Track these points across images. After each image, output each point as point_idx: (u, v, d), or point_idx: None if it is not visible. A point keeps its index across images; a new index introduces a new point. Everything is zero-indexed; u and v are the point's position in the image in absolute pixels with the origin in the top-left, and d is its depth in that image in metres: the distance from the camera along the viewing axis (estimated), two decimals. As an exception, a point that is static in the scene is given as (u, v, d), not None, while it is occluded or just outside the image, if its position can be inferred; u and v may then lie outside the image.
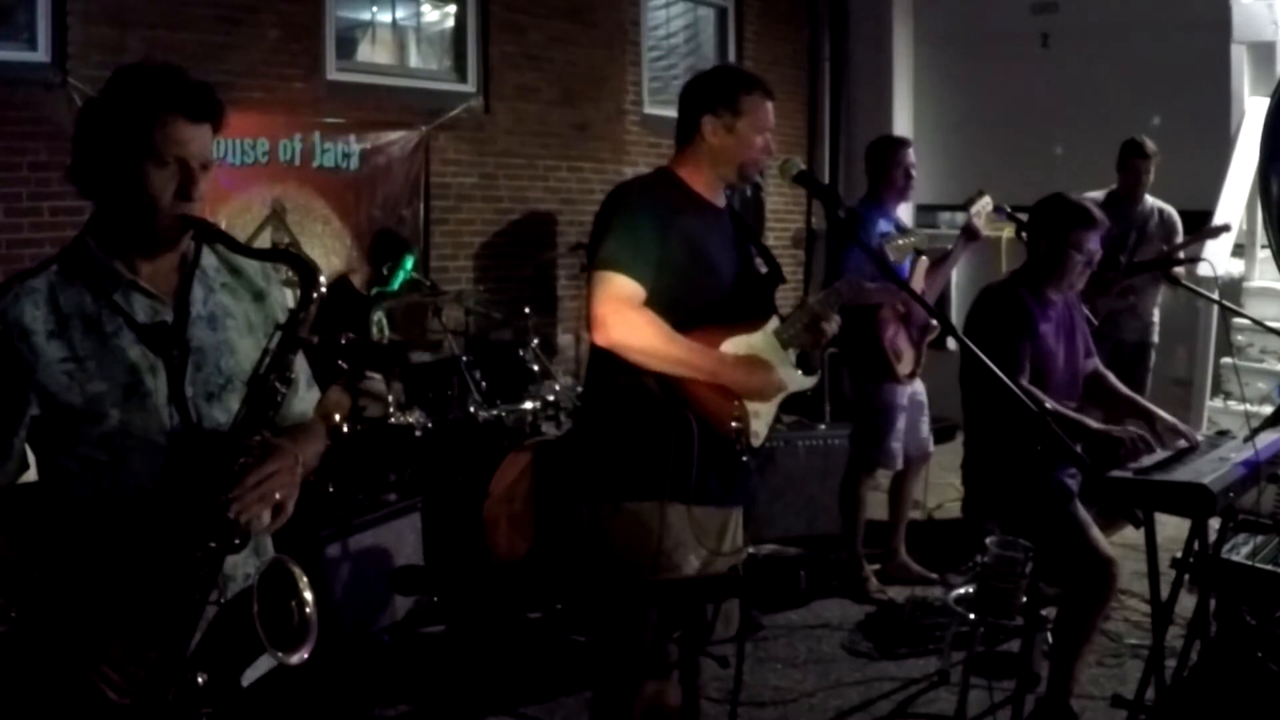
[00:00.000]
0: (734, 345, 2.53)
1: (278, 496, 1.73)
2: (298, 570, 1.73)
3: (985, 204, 4.73)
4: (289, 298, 1.91)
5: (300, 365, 1.92)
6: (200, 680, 1.65)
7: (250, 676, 1.72)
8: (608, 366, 2.47)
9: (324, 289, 1.79)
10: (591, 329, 2.42)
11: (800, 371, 2.71)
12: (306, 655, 1.70)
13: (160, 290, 1.76)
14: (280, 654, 1.66)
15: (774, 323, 2.63)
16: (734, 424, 2.49)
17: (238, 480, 1.68)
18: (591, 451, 2.56)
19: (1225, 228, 5.79)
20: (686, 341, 2.44)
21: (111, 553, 1.70)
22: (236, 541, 1.69)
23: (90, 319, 1.70)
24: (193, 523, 1.67)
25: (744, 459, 2.53)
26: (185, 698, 1.65)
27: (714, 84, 2.60)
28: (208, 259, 1.85)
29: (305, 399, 1.99)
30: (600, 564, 2.54)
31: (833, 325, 2.66)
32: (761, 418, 2.58)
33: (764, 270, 2.75)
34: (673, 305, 2.45)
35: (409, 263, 5.33)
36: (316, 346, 4.29)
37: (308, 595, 1.72)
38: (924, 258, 4.71)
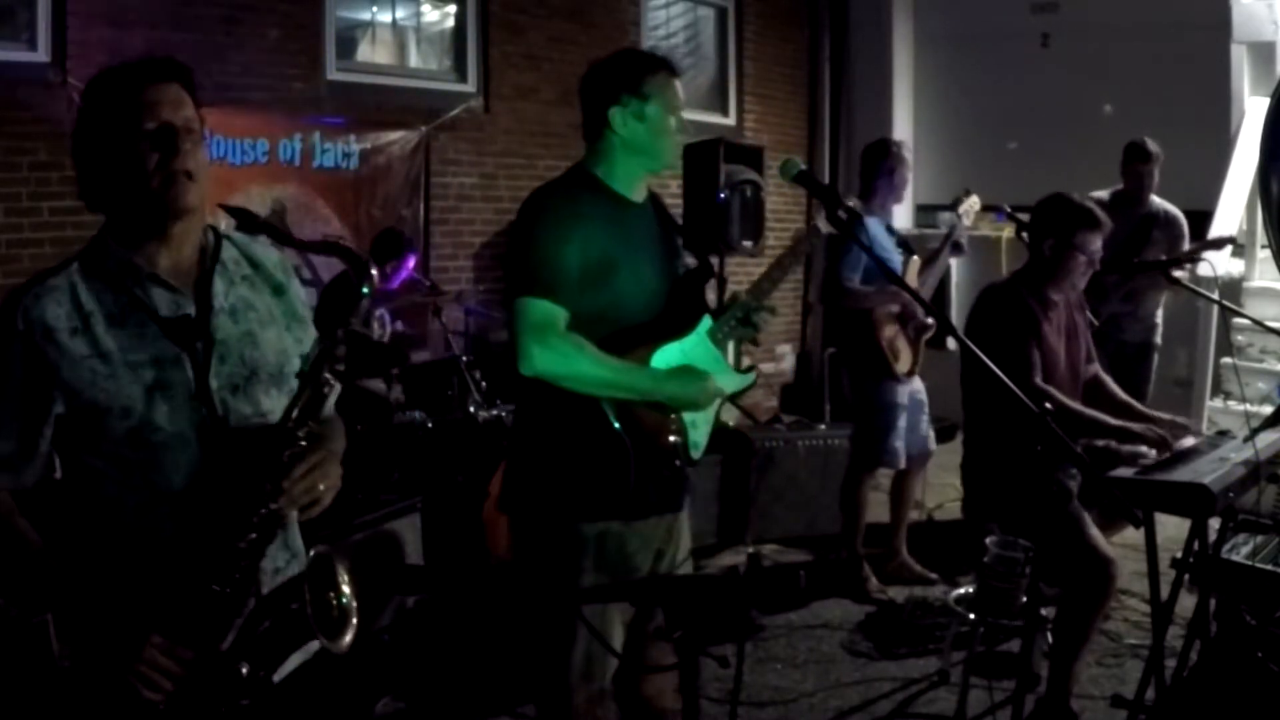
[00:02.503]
0: (666, 355, 2.45)
1: (321, 488, 1.74)
2: (340, 564, 1.74)
3: (973, 203, 4.78)
4: (307, 293, 1.92)
5: None
6: (243, 671, 1.66)
7: (281, 671, 1.74)
8: (536, 391, 2.39)
9: (376, 282, 1.79)
10: (517, 359, 2.33)
11: (735, 370, 2.64)
12: (347, 644, 1.71)
13: (181, 284, 1.76)
14: (328, 642, 1.68)
15: (706, 322, 2.55)
16: (671, 438, 2.44)
17: (285, 472, 1.69)
18: (526, 474, 2.49)
19: (1229, 239, 5.79)
20: (617, 363, 2.36)
21: (145, 548, 1.70)
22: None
23: (112, 315, 1.70)
24: (238, 514, 1.67)
25: (681, 472, 2.47)
26: (224, 689, 1.66)
27: (614, 72, 2.45)
28: (228, 252, 1.85)
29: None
30: (536, 581, 2.49)
31: (766, 316, 2.57)
32: (700, 427, 2.53)
33: (692, 265, 2.67)
34: (598, 319, 2.37)
35: (411, 262, 5.34)
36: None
37: (347, 588, 1.73)
38: (915, 258, 4.72)
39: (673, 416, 2.45)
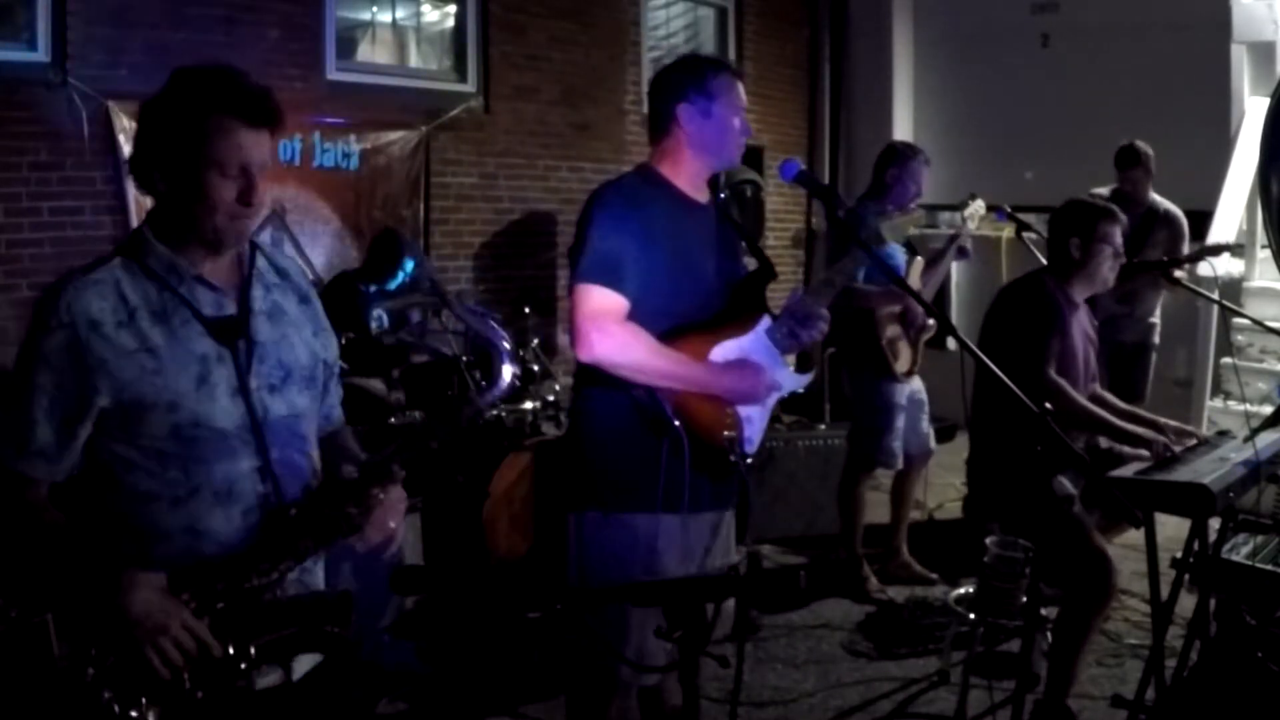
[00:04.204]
0: (724, 350, 2.48)
1: (391, 525, 1.90)
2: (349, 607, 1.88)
3: (978, 207, 4.76)
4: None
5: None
6: (242, 665, 1.72)
7: (298, 671, 1.83)
8: (594, 379, 2.43)
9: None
10: (575, 345, 2.38)
11: (793, 369, 2.67)
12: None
13: (223, 285, 1.80)
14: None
15: (765, 321, 2.58)
16: (726, 433, 2.45)
17: (367, 508, 1.85)
18: (581, 462, 2.52)
19: (1227, 247, 5.78)
20: (674, 354, 2.39)
21: (175, 540, 1.72)
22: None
23: (157, 310, 1.73)
24: (309, 537, 1.80)
25: (736, 468, 2.48)
26: (222, 691, 1.71)
27: (683, 72, 2.55)
28: (260, 260, 1.90)
29: (334, 393, 2.04)
30: (587, 573, 2.50)
31: (823, 322, 2.60)
32: (755, 422, 2.55)
33: (753, 267, 2.70)
34: (658, 312, 2.41)
35: (409, 265, 5.32)
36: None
37: (338, 630, 1.87)
38: (919, 258, 4.72)
39: (728, 411, 2.46)
